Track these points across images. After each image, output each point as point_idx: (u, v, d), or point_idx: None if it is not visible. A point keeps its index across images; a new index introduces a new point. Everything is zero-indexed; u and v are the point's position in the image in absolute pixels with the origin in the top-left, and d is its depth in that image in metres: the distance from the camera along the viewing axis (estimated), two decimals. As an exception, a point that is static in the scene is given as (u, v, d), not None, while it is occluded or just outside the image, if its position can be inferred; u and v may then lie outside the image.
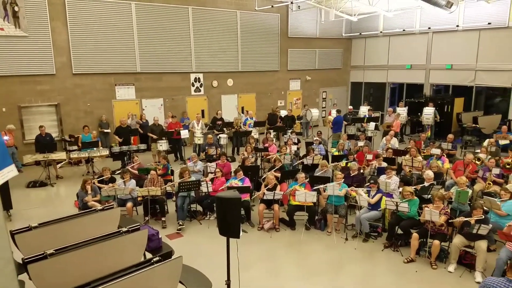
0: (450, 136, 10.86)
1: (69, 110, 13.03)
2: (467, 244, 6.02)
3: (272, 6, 15.96)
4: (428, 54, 16.55)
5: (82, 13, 12.68)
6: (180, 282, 4.14)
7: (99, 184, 8.10)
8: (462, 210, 6.88)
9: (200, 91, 15.66)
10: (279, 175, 8.53)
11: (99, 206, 5.81)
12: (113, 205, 5.54)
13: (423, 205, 6.56)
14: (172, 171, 9.54)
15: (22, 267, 3.80)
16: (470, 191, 7.35)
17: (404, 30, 17.03)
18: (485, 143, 10.65)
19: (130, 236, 4.34)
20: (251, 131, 12.98)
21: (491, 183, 7.96)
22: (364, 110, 15.35)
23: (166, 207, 8.23)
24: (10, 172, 3.29)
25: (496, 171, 8.24)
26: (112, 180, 8.36)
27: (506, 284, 3.22)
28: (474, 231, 5.74)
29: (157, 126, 12.71)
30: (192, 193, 8.04)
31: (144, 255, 4.83)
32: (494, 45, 14.30)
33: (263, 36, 16.81)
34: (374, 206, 7.18)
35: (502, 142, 10.70)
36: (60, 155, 10.93)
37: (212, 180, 8.30)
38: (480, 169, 8.54)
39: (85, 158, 11.21)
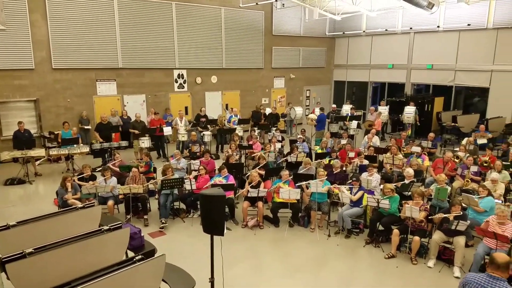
0: (431, 134, 11.08)
1: (48, 106, 12.72)
2: (446, 240, 6.17)
3: (257, 4, 15.94)
4: (410, 54, 16.84)
5: (62, 6, 12.37)
6: (163, 280, 4.11)
7: (79, 182, 7.95)
8: (441, 206, 7.04)
9: (183, 87, 15.52)
10: (263, 172, 8.54)
11: (79, 204, 5.70)
12: (94, 203, 5.45)
13: (403, 202, 6.69)
14: (155, 169, 9.43)
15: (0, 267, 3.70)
16: (449, 188, 7.51)
17: (386, 30, 17.27)
18: (464, 141, 10.92)
19: (111, 234, 4.28)
20: (235, 129, 12.95)
21: (469, 181, 8.15)
22: (346, 109, 15.52)
23: (148, 205, 8.14)
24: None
25: (474, 169, 8.46)
26: (92, 177, 8.21)
27: (486, 280, 3.29)
28: (453, 227, 5.89)
29: (139, 122, 12.54)
30: (175, 191, 7.97)
31: (126, 253, 4.77)
32: (473, 46, 14.67)
33: (247, 34, 16.77)
34: (356, 203, 7.28)
35: (480, 141, 10.99)
36: (39, 152, 10.66)
37: (195, 177, 8.25)
38: (459, 167, 8.75)
39: (64, 155, 10.96)
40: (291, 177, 7.96)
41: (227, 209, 7.65)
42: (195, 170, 8.73)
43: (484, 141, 10.94)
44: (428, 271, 6.08)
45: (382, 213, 6.88)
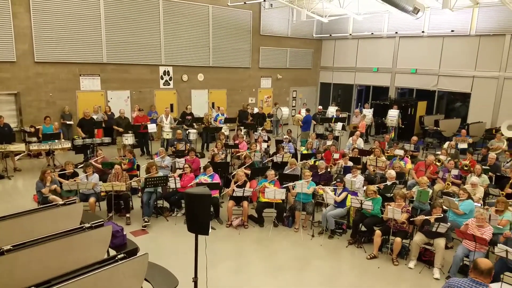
0: (415, 138, 11.28)
1: (30, 100, 12.40)
2: (427, 242, 6.29)
3: (245, 3, 15.91)
4: (395, 58, 17.08)
5: (46, -2, 12.11)
6: (145, 279, 4.05)
7: (59, 178, 7.78)
8: (422, 209, 7.17)
9: (169, 84, 15.38)
10: (249, 172, 8.53)
11: (60, 201, 5.58)
12: (75, 200, 5.33)
13: (386, 204, 6.79)
14: (138, 166, 9.32)
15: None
16: (430, 191, 7.65)
17: (372, 33, 17.48)
18: (445, 145, 11.14)
19: (93, 232, 4.18)
20: (221, 128, 12.90)
21: (450, 184, 8.33)
22: (332, 111, 15.65)
23: (131, 203, 8.02)
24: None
25: (455, 172, 8.63)
26: (74, 175, 8.04)
27: (470, 285, 3.33)
28: (434, 229, 6.00)
29: (123, 119, 12.37)
30: (159, 189, 7.89)
31: (108, 252, 4.69)
32: (456, 52, 14.98)
33: (235, 32, 16.72)
34: (340, 204, 7.34)
35: (461, 145, 11.23)
36: (19, 146, 10.39)
37: (180, 176, 8.18)
38: (440, 170, 8.91)
39: (45, 151, 10.72)
40: (277, 177, 7.98)
41: (212, 208, 7.60)
42: (180, 169, 8.66)
43: (465, 145, 11.17)
44: (409, 272, 6.18)
45: (365, 214, 6.96)
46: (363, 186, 8.02)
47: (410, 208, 6.83)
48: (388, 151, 10.48)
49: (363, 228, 7.07)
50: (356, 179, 7.93)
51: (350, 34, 18.49)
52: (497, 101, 14.04)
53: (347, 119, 16.06)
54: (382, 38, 17.38)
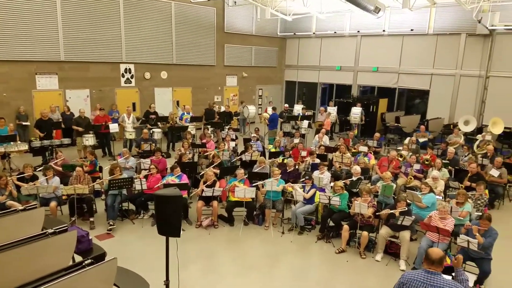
0: (377, 134, 11.62)
1: (-20, 99, 11.64)
2: (393, 235, 6.49)
3: (208, 0, 15.73)
4: (357, 56, 17.53)
5: (-4, -9, 11.37)
6: (115, 285, 3.90)
7: (17, 182, 7.35)
8: (387, 203, 7.41)
9: (131, 82, 14.93)
10: (218, 171, 8.44)
11: (19, 206, 5.26)
12: (36, 204, 5.04)
13: (353, 199, 6.95)
14: (101, 168, 8.98)
15: None
16: (394, 185, 7.91)
17: (335, 32, 17.82)
18: (406, 141, 11.56)
19: (57, 238, 3.97)
20: (187, 127, 12.68)
21: (412, 178, 8.65)
22: (298, 109, 15.82)
23: (94, 206, 7.71)
24: None
25: (416, 166, 8.96)
26: (34, 178, 7.62)
27: (424, 275, 3.42)
28: (399, 222, 6.21)
29: (83, 119, 11.87)
30: (124, 191, 7.63)
31: (73, 258, 4.48)
32: (415, 50, 15.59)
33: (199, 30, 16.49)
34: (309, 201, 7.44)
35: (421, 140, 11.70)
36: (-31, 149, 9.73)
37: (146, 177, 7.96)
38: (403, 165, 9.24)
39: (0, 154, 10.09)
40: (246, 175, 7.95)
41: (180, 209, 7.46)
42: (146, 169, 8.43)
43: (424, 139, 11.65)
44: (376, 264, 6.35)
45: (333, 210, 7.09)
46: (330, 182, 8.17)
47: (375, 203, 7.04)
48: (353, 148, 10.73)
49: (331, 223, 7.19)
50: (323, 176, 8.07)
51: (314, 33, 18.77)
52: (454, 97, 14.76)
53: (312, 117, 16.31)
54: (344, 37, 17.77)
